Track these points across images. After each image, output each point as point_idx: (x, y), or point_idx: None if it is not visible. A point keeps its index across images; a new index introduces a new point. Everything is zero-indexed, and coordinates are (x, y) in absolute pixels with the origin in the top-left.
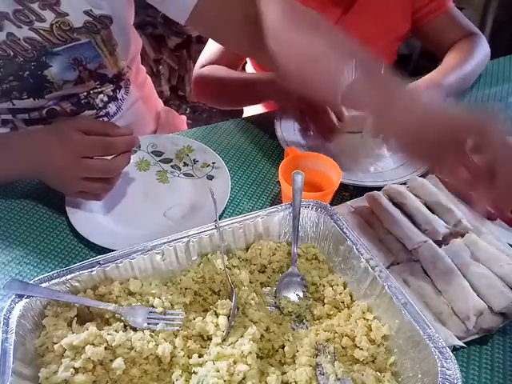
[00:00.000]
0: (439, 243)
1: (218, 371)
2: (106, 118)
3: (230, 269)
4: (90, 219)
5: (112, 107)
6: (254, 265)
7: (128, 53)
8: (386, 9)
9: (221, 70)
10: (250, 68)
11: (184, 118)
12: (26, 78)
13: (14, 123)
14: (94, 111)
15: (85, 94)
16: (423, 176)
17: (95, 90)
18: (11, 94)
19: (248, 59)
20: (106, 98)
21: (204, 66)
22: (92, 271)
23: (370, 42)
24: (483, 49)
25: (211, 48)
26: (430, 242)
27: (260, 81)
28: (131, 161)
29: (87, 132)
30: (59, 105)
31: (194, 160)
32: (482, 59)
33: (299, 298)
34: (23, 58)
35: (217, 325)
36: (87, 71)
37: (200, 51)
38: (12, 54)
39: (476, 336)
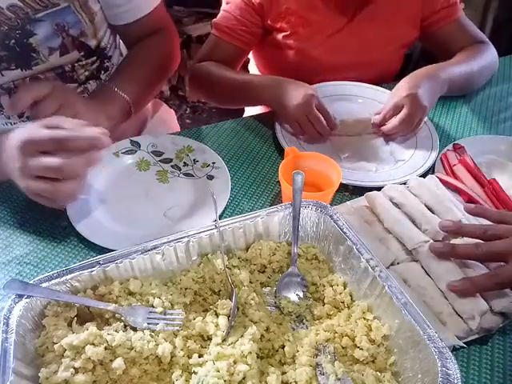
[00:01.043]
0: None
1: (218, 371)
2: (85, 95)
3: (230, 269)
4: (90, 219)
5: (92, 84)
6: (254, 265)
7: (105, 25)
8: (395, 16)
9: (219, 67)
10: (252, 67)
11: (172, 111)
12: (13, 47)
13: None
14: (75, 84)
15: (70, 66)
16: (423, 176)
17: (80, 63)
18: (0, 65)
19: (251, 58)
20: (88, 74)
21: (202, 61)
22: (92, 271)
23: (376, 48)
24: (491, 55)
25: (211, 43)
26: (430, 241)
27: (256, 84)
28: (131, 161)
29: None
30: (44, 74)
31: (194, 160)
32: (489, 64)
33: (299, 298)
34: (8, 27)
35: (217, 325)
36: (70, 37)
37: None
38: None
39: (476, 336)
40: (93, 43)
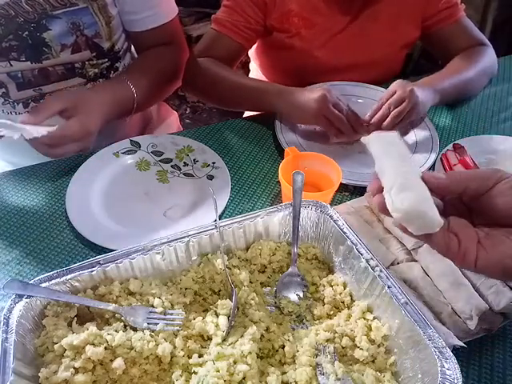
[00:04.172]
0: None
1: (218, 371)
2: None
3: (230, 269)
4: (90, 219)
5: (102, 82)
6: (254, 265)
7: (121, 28)
8: (397, 17)
9: (221, 67)
10: (253, 67)
11: (175, 112)
12: (25, 39)
13: (6, 88)
14: (84, 80)
15: (80, 63)
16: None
17: (91, 62)
18: (10, 55)
19: (252, 58)
20: (98, 73)
21: (200, 56)
22: (92, 271)
23: (379, 48)
24: (489, 59)
25: (210, 37)
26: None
27: (267, 91)
28: (131, 161)
29: None
30: (53, 67)
31: (194, 160)
32: (487, 69)
33: (299, 298)
34: (24, 19)
35: (217, 325)
36: (84, 37)
37: None
38: (13, 13)
39: (476, 336)
40: (106, 45)
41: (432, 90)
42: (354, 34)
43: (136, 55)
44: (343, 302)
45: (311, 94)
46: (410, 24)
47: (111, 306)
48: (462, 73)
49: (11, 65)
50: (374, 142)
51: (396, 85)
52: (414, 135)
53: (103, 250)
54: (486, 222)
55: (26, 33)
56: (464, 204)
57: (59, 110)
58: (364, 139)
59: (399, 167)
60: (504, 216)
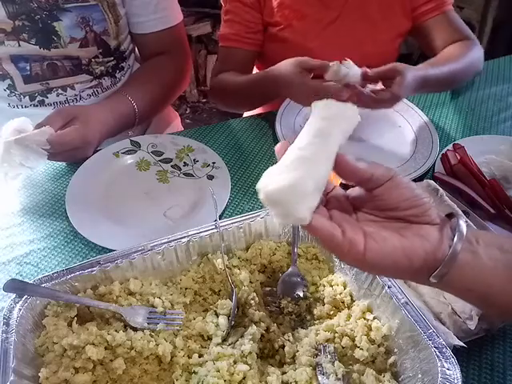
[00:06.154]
0: None
1: (218, 371)
2: (99, 89)
3: (230, 269)
4: (90, 219)
5: (107, 80)
6: (254, 265)
7: (127, 29)
8: (388, 7)
9: (233, 76)
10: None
11: (176, 113)
12: (37, 22)
13: (12, 80)
14: (91, 77)
15: (87, 60)
16: (422, 177)
17: (97, 59)
18: (20, 35)
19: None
20: (104, 70)
21: (220, 73)
22: (92, 271)
23: (370, 39)
24: (476, 53)
25: (221, 55)
26: None
27: (267, 77)
28: (131, 161)
29: None
30: (61, 61)
31: (194, 160)
32: (474, 62)
33: (299, 298)
34: (37, 5)
35: (217, 325)
36: (93, 33)
37: (199, 51)
38: None
39: (476, 336)
40: (113, 44)
41: (422, 77)
42: (345, 24)
43: (139, 56)
44: (343, 302)
45: (285, 70)
46: (400, 13)
47: (111, 306)
48: (451, 62)
49: (20, 45)
50: (321, 108)
51: (403, 66)
52: (414, 135)
53: (103, 250)
54: (375, 217)
55: (38, 16)
56: (350, 201)
57: (62, 125)
58: (314, 103)
59: (310, 141)
60: (395, 208)
